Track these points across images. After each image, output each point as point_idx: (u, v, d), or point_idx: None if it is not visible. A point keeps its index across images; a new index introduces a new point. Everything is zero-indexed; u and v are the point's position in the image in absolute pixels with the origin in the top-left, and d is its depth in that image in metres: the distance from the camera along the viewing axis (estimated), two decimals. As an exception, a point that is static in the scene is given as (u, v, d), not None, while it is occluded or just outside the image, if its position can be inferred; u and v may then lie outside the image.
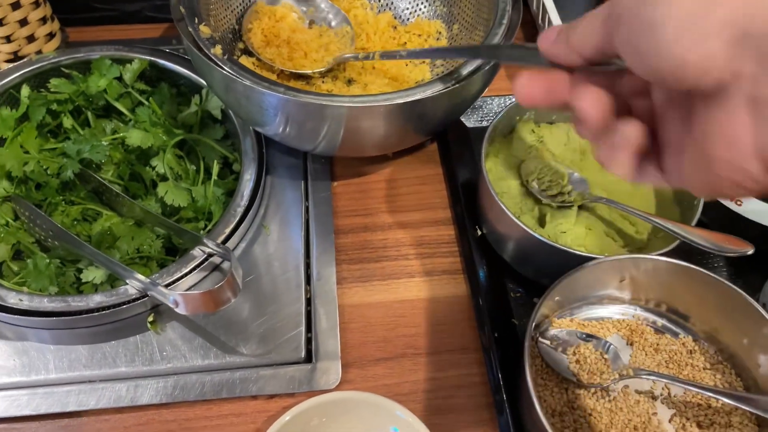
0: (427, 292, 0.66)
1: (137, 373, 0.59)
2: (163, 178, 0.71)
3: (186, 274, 0.63)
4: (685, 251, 0.58)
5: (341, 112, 0.58)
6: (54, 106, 0.73)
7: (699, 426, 0.56)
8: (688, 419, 0.56)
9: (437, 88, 0.60)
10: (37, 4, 0.78)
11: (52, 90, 0.73)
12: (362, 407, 0.55)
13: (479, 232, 0.68)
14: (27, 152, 0.71)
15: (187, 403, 0.58)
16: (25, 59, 0.76)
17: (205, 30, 0.62)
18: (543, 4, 0.82)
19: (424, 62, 0.79)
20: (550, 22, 0.79)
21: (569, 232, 0.65)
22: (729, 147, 0.27)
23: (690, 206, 0.63)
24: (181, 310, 0.57)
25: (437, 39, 0.80)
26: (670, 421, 0.57)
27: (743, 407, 0.53)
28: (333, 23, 0.77)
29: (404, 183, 0.75)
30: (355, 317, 0.64)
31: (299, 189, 0.73)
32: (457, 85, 0.60)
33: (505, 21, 0.67)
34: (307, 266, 0.67)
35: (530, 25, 0.91)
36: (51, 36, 0.82)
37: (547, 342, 0.59)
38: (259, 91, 0.58)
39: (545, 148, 0.71)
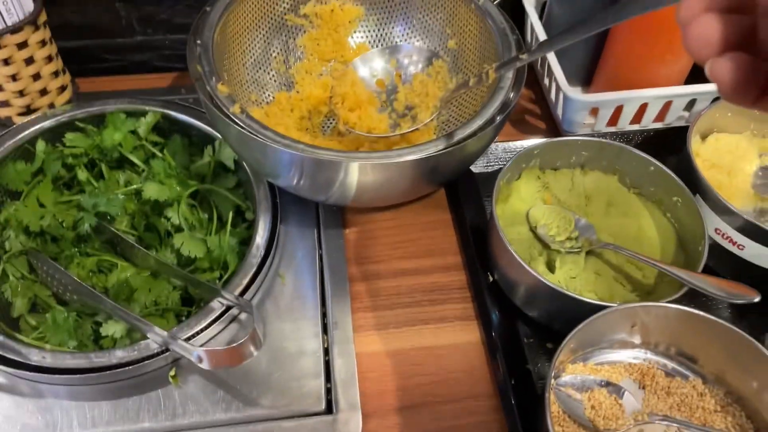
0: (441, 339, 0.68)
1: (161, 428, 0.60)
2: (178, 228, 0.73)
3: (205, 327, 0.63)
4: (691, 293, 0.60)
5: (355, 168, 0.60)
6: (69, 160, 0.75)
7: (712, 469, 0.58)
8: (701, 462, 0.58)
9: (448, 142, 0.62)
10: (49, 59, 0.80)
11: (67, 144, 0.75)
12: (386, 459, 0.56)
13: (491, 278, 0.70)
14: (43, 206, 0.72)
15: (212, 457, 0.59)
16: (39, 113, 0.77)
17: (222, 89, 0.64)
18: (548, 65, 0.85)
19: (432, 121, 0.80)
20: (556, 82, 0.82)
21: (579, 278, 0.67)
22: None
23: (695, 251, 0.65)
24: (204, 365, 0.58)
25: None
26: (684, 466, 0.58)
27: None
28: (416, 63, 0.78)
29: (414, 229, 0.76)
30: (372, 366, 0.65)
31: (312, 237, 0.74)
32: (466, 142, 0.62)
33: (506, 89, 0.68)
34: (323, 315, 0.69)
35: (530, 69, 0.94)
36: (63, 89, 0.84)
37: (563, 389, 0.61)
38: (276, 149, 0.60)
39: (551, 194, 0.73)
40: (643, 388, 0.62)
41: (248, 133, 0.61)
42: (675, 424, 0.58)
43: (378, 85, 0.77)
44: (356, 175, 0.61)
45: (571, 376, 0.62)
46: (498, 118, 0.65)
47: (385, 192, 0.66)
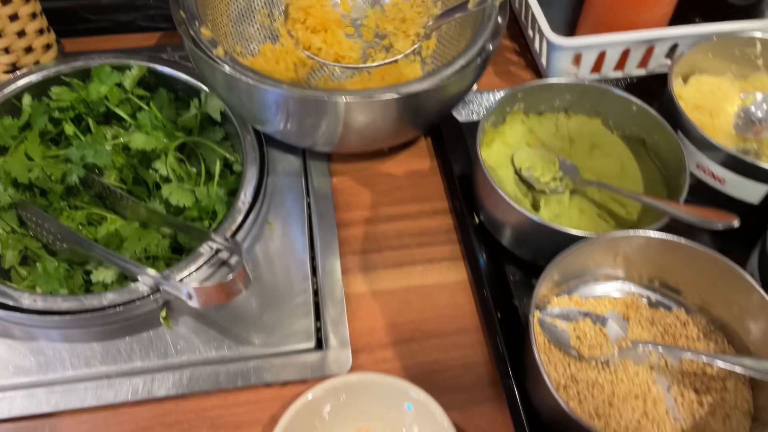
0: (429, 279, 0.68)
1: (153, 367, 0.61)
2: (166, 180, 0.73)
3: (195, 271, 0.64)
4: (673, 229, 0.61)
5: (340, 106, 0.61)
6: (56, 114, 0.75)
7: (696, 392, 0.59)
8: (685, 387, 0.59)
9: (431, 83, 0.62)
10: (33, 16, 0.80)
11: (53, 98, 0.75)
12: (376, 388, 0.57)
13: (477, 220, 0.70)
14: (31, 159, 0.72)
15: (204, 393, 0.60)
16: (24, 69, 0.77)
17: (206, 32, 0.65)
18: (532, 14, 0.85)
19: (415, 60, 0.81)
20: (539, 30, 0.82)
21: (563, 216, 0.68)
22: None
23: (677, 187, 0.66)
24: (194, 303, 0.59)
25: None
26: (668, 390, 0.59)
27: (736, 369, 0.56)
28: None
29: (401, 177, 0.77)
30: (361, 305, 0.66)
31: (300, 186, 0.75)
32: (450, 79, 0.63)
33: (491, 24, 0.69)
34: (312, 259, 0.69)
35: (515, 21, 0.94)
36: (48, 47, 0.84)
37: (548, 319, 0.62)
38: (262, 89, 0.60)
39: (536, 137, 0.74)
40: (628, 319, 0.63)
41: (233, 74, 0.61)
42: (658, 348, 0.59)
43: (342, 7, 0.74)
44: (341, 113, 0.61)
45: (557, 308, 0.63)
46: (479, 58, 0.66)
47: (370, 133, 0.67)
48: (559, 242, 0.60)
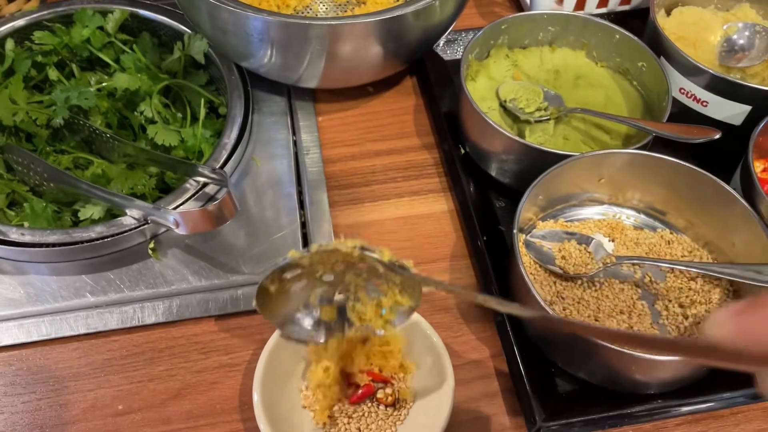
0: (416, 209, 0.69)
1: (142, 296, 0.61)
2: (152, 122, 0.73)
3: (181, 204, 0.64)
4: (656, 148, 0.62)
5: (324, 31, 0.61)
6: (39, 58, 0.75)
7: (681, 306, 0.59)
8: (670, 301, 0.60)
9: (412, 7, 0.62)
10: (14, -36, 0.79)
11: (36, 42, 0.74)
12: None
13: (462, 151, 0.71)
14: (16, 104, 0.72)
15: (194, 320, 0.60)
16: (6, 16, 0.77)
17: (186, -36, 0.64)
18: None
19: (398, 1, 0.81)
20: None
21: (547, 143, 0.69)
22: None
23: (660, 110, 0.66)
24: (181, 230, 0.59)
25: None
26: (653, 305, 0.60)
27: (720, 276, 0.57)
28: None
29: (387, 114, 0.77)
30: (349, 235, 0.66)
31: (286, 125, 0.75)
32: (431, 4, 0.63)
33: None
34: (300, 193, 0.70)
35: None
36: (29, -4, 0.83)
37: (535, 241, 0.62)
38: (244, 15, 0.60)
39: (520, 71, 0.74)
40: (613, 241, 0.64)
41: (215, 3, 0.61)
42: (643, 263, 0.60)
43: None
44: (324, 39, 0.62)
45: (543, 230, 0.63)
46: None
47: (354, 63, 0.67)
48: (544, 166, 0.61)
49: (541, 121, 0.70)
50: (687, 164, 0.60)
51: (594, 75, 0.74)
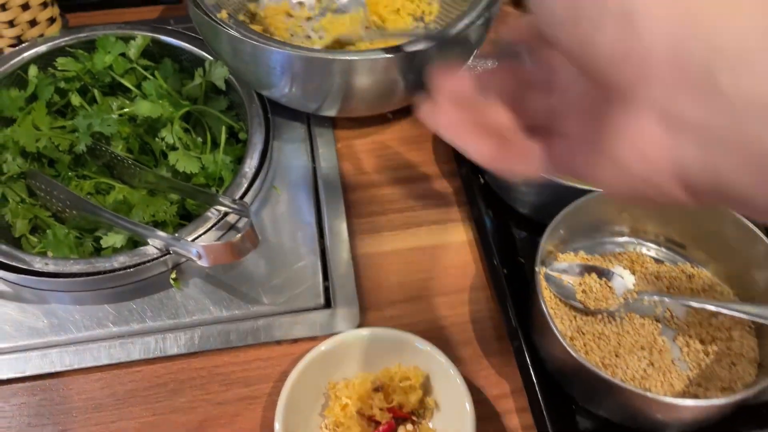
0: (435, 239, 0.69)
1: (164, 327, 0.62)
2: (173, 148, 0.74)
3: (203, 234, 0.65)
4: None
5: (346, 65, 0.61)
6: (62, 85, 0.75)
7: (702, 342, 0.59)
8: (690, 337, 0.60)
9: (437, 40, 0.62)
10: (37, -11, 0.80)
11: (59, 68, 0.75)
12: (385, 342, 0.57)
13: (482, 181, 0.71)
14: (39, 129, 0.72)
15: (215, 351, 0.60)
16: (29, 42, 0.78)
17: (209, -4, 0.65)
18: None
19: (418, 26, 0.82)
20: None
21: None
22: (641, 160, 0.25)
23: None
24: (203, 262, 0.59)
25: (429, 3, 0.82)
26: (674, 341, 0.60)
27: (741, 316, 0.56)
28: (346, 1, 0.80)
29: (406, 141, 0.77)
30: (368, 265, 0.67)
31: (305, 152, 0.75)
32: (452, 39, 0.63)
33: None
34: (319, 222, 0.70)
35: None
36: (52, 21, 0.84)
37: (555, 274, 0.62)
38: (267, 50, 0.61)
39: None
40: (633, 273, 0.64)
41: (237, 36, 0.61)
42: (665, 298, 0.60)
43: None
44: (346, 72, 0.62)
45: (563, 263, 0.63)
46: (482, 19, 0.66)
47: (375, 94, 0.67)
48: (565, 198, 0.60)
49: None
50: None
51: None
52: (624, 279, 0.61)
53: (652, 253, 0.65)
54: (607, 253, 0.65)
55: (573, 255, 0.65)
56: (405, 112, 0.79)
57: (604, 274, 0.62)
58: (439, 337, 0.62)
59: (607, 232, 0.66)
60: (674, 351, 0.59)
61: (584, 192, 0.60)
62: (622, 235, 0.66)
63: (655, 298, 0.60)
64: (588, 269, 0.62)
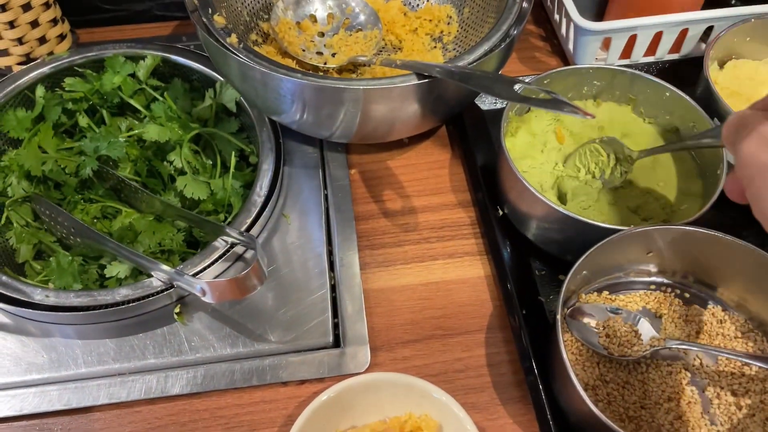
0: (450, 274, 0.66)
1: (166, 364, 0.59)
2: (181, 172, 0.71)
3: (209, 265, 0.62)
4: (708, 222, 0.58)
5: (358, 95, 0.58)
6: (69, 105, 0.73)
7: (734, 394, 0.56)
8: (722, 388, 0.56)
9: (453, 67, 0.59)
10: (47, 6, 0.78)
11: (66, 89, 0.73)
12: (396, 389, 0.54)
13: (500, 213, 0.68)
14: (45, 152, 0.71)
15: (218, 391, 0.58)
16: (38, 60, 0.76)
17: (219, 20, 0.62)
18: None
19: (436, 47, 0.79)
20: (566, 14, 0.79)
21: (592, 209, 0.65)
22: None
23: (713, 175, 0.62)
24: (208, 298, 0.57)
25: (448, 23, 0.79)
26: (704, 391, 0.56)
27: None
28: (362, 19, 0.77)
29: (421, 168, 0.74)
30: (380, 301, 0.64)
31: (317, 178, 0.73)
32: (471, 66, 0.60)
33: (515, 8, 0.67)
34: (330, 253, 0.67)
35: (540, 6, 0.91)
36: (62, 37, 0.83)
37: (577, 317, 0.59)
38: (276, 77, 0.58)
39: (563, 126, 0.71)
40: (660, 317, 0.60)
41: (246, 62, 0.59)
42: (693, 348, 0.56)
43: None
44: (359, 101, 0.59)
45: (585, 305, 0.60)
46: (503, 44, 0.63)
47: (389, 122, 0.64)
48: (587, 236, 0.57)
49: (621, 178, 0.66)
50: (743, 243, 0.56)
51: (641, 133, 0.70)
52: (650, 323, 0.58)
53: (681, 295, 0.62)
54: (633, 294, 0.62)
55: (596, 295, 0.61)
56: (421, 136, 0.77)
57: (629, 317, 0.58)
58: (453, 380, 0.59)
59: (633, 272, 0.62)
60: (704, 403, 0.55)
61: (610, 231, 0.57)
62: (649, 274, 0.62)
63: (684, 347, 0.56)
64: (612, 312, 0.59)
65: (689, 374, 0.57)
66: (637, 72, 0.68)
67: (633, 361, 0.57)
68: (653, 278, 0.62)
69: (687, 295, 0.62)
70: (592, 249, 0.56)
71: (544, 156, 0.69)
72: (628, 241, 0.58)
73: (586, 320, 0.59)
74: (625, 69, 0.69)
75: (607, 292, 0.62)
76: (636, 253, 0.60)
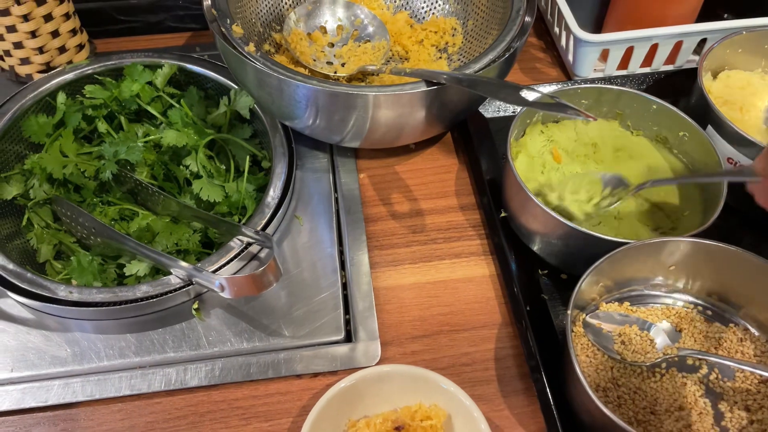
0: (457, 273, 0.69)
1: (185, 358, 0.62)
2: (197, 176, 0.74)
3: (226, 264, 0.65)
4: (713, 233, 0.59)
5: (369, 100, 0.61)
6: (89, 112, 0.76)
7: (747, 410, 0.57)
8: (735, 403, 0.57)
9: (459, 75, 0.62)
10: (67, 17, 0.82)
11: (87, 96, 0.76)
12: (407, 380, 0.57)
13: (503, 214, 0.70)
14: (65, 156, 0.73)
15: (235, 384, 0.60)
16: (58, 68, 0.79)
17: (237, 30, 0.66)
18: (558, 11, 0.85)
19: (441, 57, 0.82)
20: (566, 27, 0.82)
21: (601, 224, 0.67)
22: None
23: (713, 185, 0.64)
24: (226, 294, 0.59)
25: (452, 35, 0.83)
26: (717, 405, 0.57)
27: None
28: (371, 30, 0.80)
29: (428, 172, 0.77)
30: (390, 299, 0.66)
31: (328, 182, 0.76)
32: (477, 74, 0.63)
33: (518, 21, 0.70)
34: (341, 253, 0.70)
35: (540, 19, 0.94)
36: (80, 47, 0.86)
37: (595, 322, 0.61)
38: (292, 83, 0.61)
39: (558, 146, 0.73)
40: (680, 331, 0.62)
41: (264, 70, 0.62)
42: (706, 357, 0.58)
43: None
44: (370, 107, 0.62)
45: (605, 312, 0.62)
46: (507, 54, 0.66)
47: (398, 127, 0.67)
48: (594, 250, 0.58)
49: (609, 210, 0.67)
50: (762, 260, 0.57)
51: (633, 145, 0.72)
52: (668, 335, 0.60)
53: (703, 311, 0.63)
54: (655, 307, 0.63)
55: (617, 305, 0.63)
56: (428, 142, 0.80)
57: (645, 326, 0.60)
58: (460, 374, 0.61)
59: (656, 285, 0.64)
60: (716, 416, 0.56)
61: (614, 244, 0.58)
62: (672, 289, 0.64)
63: (697, 356, 0.58)
64: (629, 320, 0.61)
65: (704, 387, 0.58)
66: (623, 88, 0.71)
67: (648, 369, 0.58)
68: (676, 294, 0.64)
69: (709, 312, 0.63)
70: (599, 262, 0.57)
71: (545, 177, 0.71)
72: (640, 252, 0.59)
73: (603, 326, 0.61)
74: (610, 87, 0.71)
75: (628, 303, 0.63)
76: (656, 265, 0.62)
